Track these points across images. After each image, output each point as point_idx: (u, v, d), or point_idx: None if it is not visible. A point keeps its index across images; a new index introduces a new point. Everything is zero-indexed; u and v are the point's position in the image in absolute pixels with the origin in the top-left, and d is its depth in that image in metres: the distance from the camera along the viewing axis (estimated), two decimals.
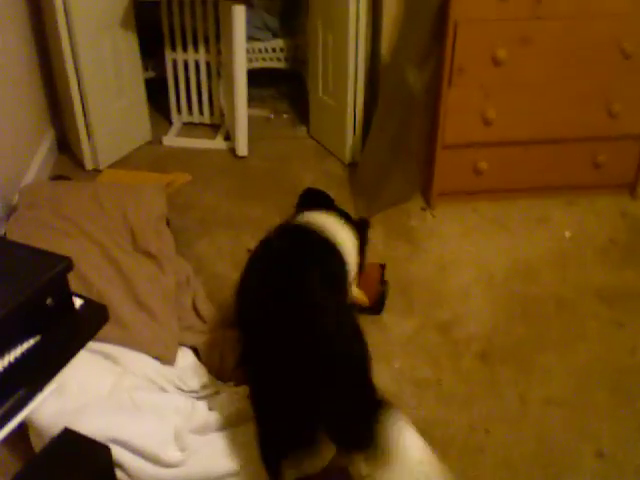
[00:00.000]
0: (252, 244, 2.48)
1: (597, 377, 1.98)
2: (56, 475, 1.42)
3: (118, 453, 1.55)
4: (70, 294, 0.94)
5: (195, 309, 2.17)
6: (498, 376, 1.98)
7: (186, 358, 1.96)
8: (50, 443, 1.41)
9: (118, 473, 1.55)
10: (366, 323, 2.14)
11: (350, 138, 2.95)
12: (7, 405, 0.85)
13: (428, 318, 2.20)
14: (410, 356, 2.05)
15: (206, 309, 2.16)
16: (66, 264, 0.91)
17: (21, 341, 0.88)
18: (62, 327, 0.93)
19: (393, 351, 2.06)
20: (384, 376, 1.96)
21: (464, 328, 2.16)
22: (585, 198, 2.75)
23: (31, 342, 0.89)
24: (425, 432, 1.74)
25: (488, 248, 2.52)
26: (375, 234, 2.58)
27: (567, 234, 2.59)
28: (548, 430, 1.81)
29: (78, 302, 0.97)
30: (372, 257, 2.46)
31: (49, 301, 0.90)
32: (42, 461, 1.33)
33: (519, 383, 1.96)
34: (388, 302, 2.24)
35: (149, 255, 2.22)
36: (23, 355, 0.87)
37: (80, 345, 0.94)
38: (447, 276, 2.39)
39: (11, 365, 0.86)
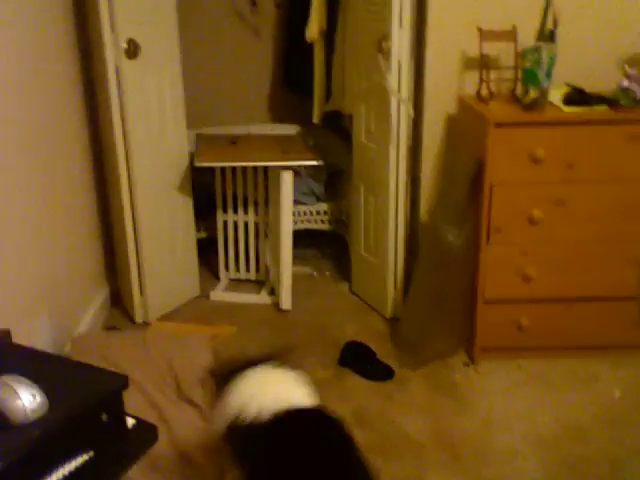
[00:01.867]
0: None
1: None
2: None
3: None
4: (124, 412, 0.97)
5: None
6: None
7: None
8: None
9: None
10: None
11: (391, 293, 3.02)
12: None
13: (476, 477, 2.11)
14: None
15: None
16: (122, 382, 0.95)
17: (75, 455, 0.90)
18: (114, 443, 0.95)
19: None
20: None
21: None
22: (632, 357, 2.70)
23: (85, 457, 0.91)
24: None
25: (535, 406, 2.46)
26: (418, 389, 2.57)
27: (616, 394, 2.52)
28: None
29: (130, 422, 0.99)
30: (415, 412, 2.44)
31: (104, 417, 0.93)
32: None
33: None
34: (433, 458, 2.18)
35: (193, 404, 2.24)
36: (77, 469, 0.89)
37: (131, 462, 0.95)
38: (493, 433, 2.32)
39: (65, 476, 0.87)
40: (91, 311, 2.95)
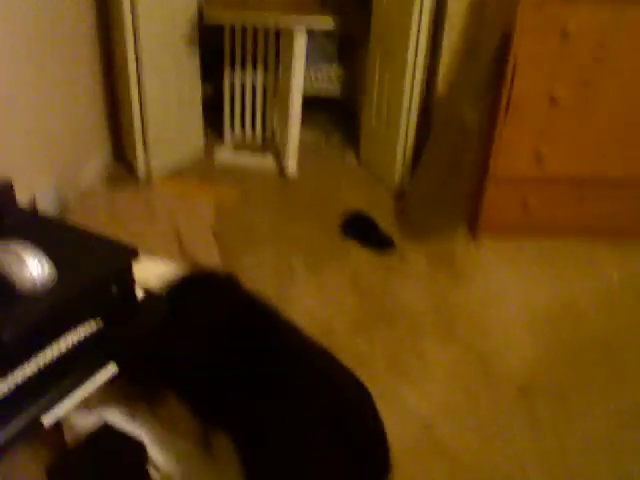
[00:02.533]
0: (294, 260, 2.53)
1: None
2: (91, 468, 1.44)
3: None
4: (134, 284, 0.96)
5: None
6: (537, 413, 1.94)
7: None
8: (87, 437, 1.43)
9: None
10: (404, 350, 2.15)
11: (399, 166, 2.98)
12: (69, 380, 0.87)
13: (469, 348, 2.17)
14: (447, 382, 2.03)
15: None
16: (133, 254, 0.93)
17: (83, 324, 0.90)
18: (123, 315, 0.95)
19: (431, 377, 2.04)
20: (419, 400, 1.95)
21: (505, 361, 2.13)
22: (635, 242, 2.71)
23: (93, 324, 0.91)
24: (457, 458, 1.75)
25: (533, 285, 2.49)
26: (418, 262, 2.59)
27: (615, 277, 2.55)
28: (586, 473, 1.76)
29: (140, 293, 0.99)
30: (414, 286, 2.48)
31: (114, 289, 0.92)
32: (78, 453, 1.35)
33: (558, 422, 1.92)
34: (428, 328, 2.24)
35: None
36: (85, 338, 0.89)
37: (140, 332, 0.96)
38: (489, 308, 2.37)
39: (74, 345, 0.88)
40: (94, 163, 2.91)
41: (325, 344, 2.10)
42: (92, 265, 0.91)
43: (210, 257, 2.34)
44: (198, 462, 1.54)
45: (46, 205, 2.30)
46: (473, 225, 2.73)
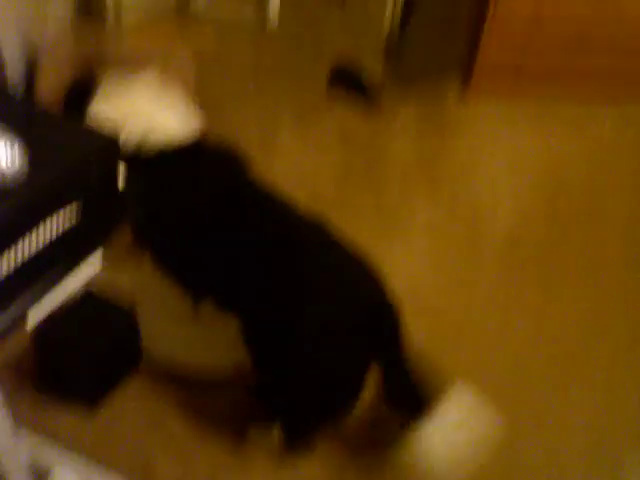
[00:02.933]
0: (280, 115, 2.43)
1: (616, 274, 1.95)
2: (77, 335, 1.45)
3: None
4: (117, 172, 0.89)
5: None
6: (521, 271, 1.96)
7: None
8: (71, 304, 1.43)
9: None
10: (391, 211, 2.12)
11: (390, 11, 2.79)
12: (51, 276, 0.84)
13: (456, 205, 2.16)
14: (434, 243, 2.03)
15: None
16: (116, 146, 0.87)
17: (61, 213, 0.84)
18: (105, 203, 0.89)
19: (417, 237, 2.04)
20: (406, 261, 1.95)
21: (491, 219, 2.12)
22: (629, 101, 2.61)
23: (72, 215, 0.85)
24: (441, 314, 1.78)
25: (523, 143, 2.44)
26: (407, 118, 2.51)
27: (605, 136, 2.49)
28: (562, 328, 1.80)
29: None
30: (402, 139, 2.41)
31: (95, 174, 0.86)
32: (62, 320, 1.34)
33: (541, 277, 1.94)
34: (414, 187, 2.21)
35: None
36: (64, 229, 0.83)
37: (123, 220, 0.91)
38: (478, 167, 2.32)
39: (52, 239, 0.83)
40: (62, 10, 2.70)
41: (312, 200, 2.08)
42: (70, 151, 0.84)
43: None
44: (188, 328, 1.56)
45: (11, 52, 2.13)
46: (466, 82, 2.61)
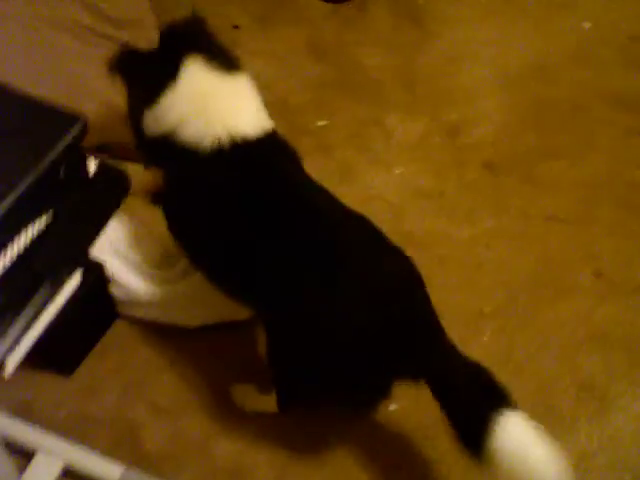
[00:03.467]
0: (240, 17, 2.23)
1: (604, 191, 1.90)
2: None
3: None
4: (85, 162, 0.77)
5: None
6: (503, 187, 1.90)
7: None
8: None
9: None
10: (369, 125, 2.01)
11: None
12: (33, 302, 0.73)
13: (434, 119, 2.04)
14: (413, 162, 1.94)
15: None
16: (82, 126, 0.73)
17: (32, 221, 0.73)
18: (77, 200, 0.77)
19: (396, 156, 1.94)
20: (386, 183, 1.87)
21: (472, 132, 2.02)
22: None
23: (43, 220, 0.74)
24: (425, 244, 1.74)
25: (504, 38, 2.29)
26: (380, 15, 2.32)
27: (586, 25, 2.35)
28: (548, 248, 1.77)
29: (92, 167, 0.80)
30: (375, 43, 2.25)
31: (62, 172, 0.74)
32: None
33: (524, 195, 1.88)
34: (392, 97, 2.07)
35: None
36: (37, 237, 0.72)
37: (101, 220, 0.79)
38: (457, 70, 2.19)
39: (24, 253, 0.72)
40: None
41: (281, 119, 1.95)
42: (32, 147, 0.71)
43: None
44: (165, 281, 1.48)
45: None
46: None
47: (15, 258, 0.72)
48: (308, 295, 1.17)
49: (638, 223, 1.83)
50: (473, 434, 1.11)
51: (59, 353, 1.36)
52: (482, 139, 2.00)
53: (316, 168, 1.76)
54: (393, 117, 2.03)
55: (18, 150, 0.72)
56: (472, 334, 1.60)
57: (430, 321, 1.21)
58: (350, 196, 1.79)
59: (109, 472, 1.27)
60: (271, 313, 1.25)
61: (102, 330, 1.43)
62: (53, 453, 1.29)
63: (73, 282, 0.82)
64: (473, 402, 1.15)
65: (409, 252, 1.69)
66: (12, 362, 0.72)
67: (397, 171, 1.91)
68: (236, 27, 2.17)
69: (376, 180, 1.88)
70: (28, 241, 0.72)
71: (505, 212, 1.84)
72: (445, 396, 1.15)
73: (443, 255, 1.73)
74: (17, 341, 0.72)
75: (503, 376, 1.48)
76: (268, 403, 1.32)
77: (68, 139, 0.76)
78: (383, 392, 1.23)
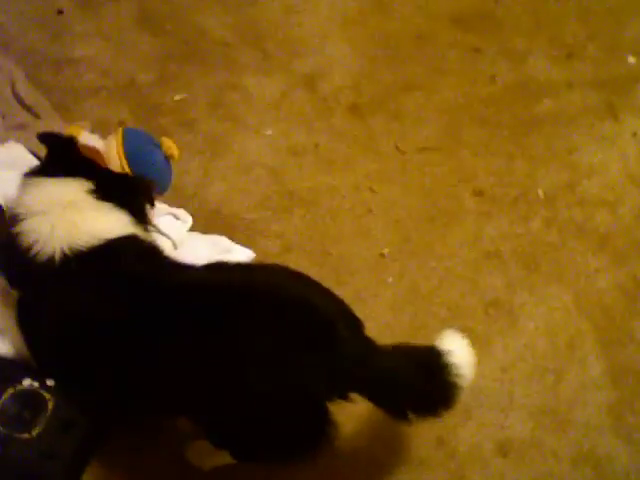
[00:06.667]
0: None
1: (464, 112, 1.97)
2: None
3: None
4: None
5: (20, 101, 1.81)
6: (372, 129, 1.91)
7: None
8: None
9: None
10: (227, 91, 1.94)
11: None
12: None
13: (290, 73, 2.01)
14: (281, 121, 1.90)
15: (36, 100, 1.81)
16: None
17: None
18: None
19: (262, 118, 1.90)
20: (260, 147, 1.83)
21: (329, 80, 2.01)
22: None
23: None
24: (312, 201, 1.73)
25: None
26: None
27: None
28: (428, 179, 1.82)
29: None
30: (213, 5, 2.15)
31: None
32: None
33: (393, 133, 1.91)
34: (243, 61, 2.01)
35: None
36: None
37: None
38: (299, 20, 2.14)
39: None
40: None
41: (131, 101, 1.84)
42: None
43: None
44: None
45: None
46: None
47: None
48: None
49: (499, 138, 1.92)
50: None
51: None
52: (341, 85, 2.00)
53: (183, 146, 1.71)
54: (249, 79, 1.97)
55: None
56: (377, 278, 1.64)
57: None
58: (226, 168, 1.77)
59: None
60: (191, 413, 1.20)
61: None
62: None
63: None
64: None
65: (298, 212, 1.71)
66: None
67: (267, 133, 1.87)
68: (61, 12, 1.98)
69: (248, 146, 1.83)
70: None
71: (380, 153, 1.86)
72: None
73: (332, 207, 1.75)
74: None
75: (413, 309, 1.57)
76: (225, 456, 1.25)
77: None
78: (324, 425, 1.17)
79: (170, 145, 1.65)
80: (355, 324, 1.17)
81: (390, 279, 1.64)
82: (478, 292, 1.61)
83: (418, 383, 1.15)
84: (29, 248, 1.16)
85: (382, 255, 1.67)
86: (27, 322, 1.22)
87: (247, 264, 1.41)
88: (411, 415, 1.17)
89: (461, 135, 1.92)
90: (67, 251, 1.15)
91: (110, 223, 1.22)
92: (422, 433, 1.38)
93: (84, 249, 1.16)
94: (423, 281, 1.63)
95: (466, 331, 1.49)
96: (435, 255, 1.67)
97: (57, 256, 1.15)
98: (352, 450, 1.37)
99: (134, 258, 1.19)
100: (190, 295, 1.14)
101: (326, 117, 1.92)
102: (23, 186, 1.26)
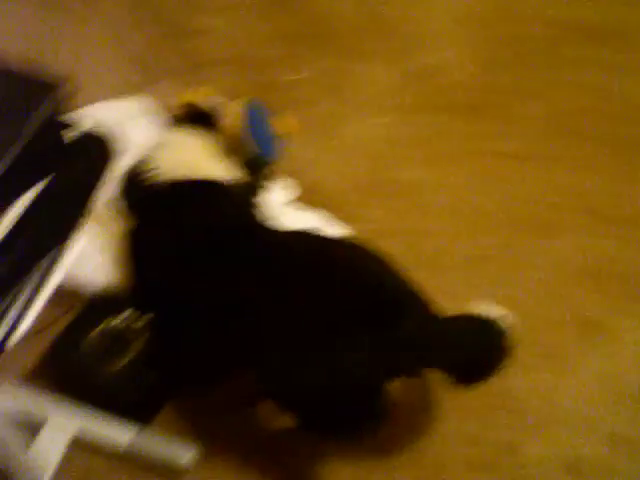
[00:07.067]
0: None
1: (580, 125, 1.90)
2: None
3: None
4: (64, 130, 0.72)
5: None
6: (481, 131, 1.88)
7: None
8: None
9: None
10: (341, 76, 1.95)
11: None
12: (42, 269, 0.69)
13: (408, 67, 2.02)
14: (393, 111, 1.91)
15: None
16: (63, 93, 0.68)
17: (32, 186, 0.68)
18: (61, 171, 0.73)
19: (375, 106, 1.91)
20: (368, 134, 1.84)
21: (446, 77, 2.00)
22: None
23: (44, 184, 0.69)
24: (414, 192, 1.72)
25: None
26: None
27: None
28: (534, 188, 1.76)
29: (71, 135, 0.75)
30: None
31: (43, 142, 0.69)
32: None
33: (501, 137, 1.86)
34: (366, 47, 2.03)
35: None
36: (38, 199, 0.67)
37: (85, 190, 0.75)
38: (422, 13, 2.16)
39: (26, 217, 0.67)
40: None
41: (247, 75, 1.89)
42: (10, 119, 0.65)
43: None
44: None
45: None
46: None
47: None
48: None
49: (611, 155, 1.84)
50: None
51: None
52: (456, 83, 1.98)
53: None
54: (368, 66, 1.99)
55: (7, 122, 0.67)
56: (469, 279, 1.60)
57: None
58: (332, 149, 1.79)
59: (119, 437, 1.26)
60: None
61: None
62: (63, 420, 1.27)
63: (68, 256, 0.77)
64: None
65: (396, 202, 1.70)
66: (15, 336, 0.69)
67: (378, 121, 1.88)
68: None
69: (357, 131, 1.85)
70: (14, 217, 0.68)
71: (485, 155, 1.83)
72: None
73: (432, 202, 1.73)
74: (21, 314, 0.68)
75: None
76: (289, 420, 1.26)
77: (49, 107, 0.71)
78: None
79: (289, 122, 1.69)
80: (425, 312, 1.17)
81: (486, 281, 1.60)
82: (572, 308, 1.55)
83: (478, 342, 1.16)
84: (151, 178, 1.24)
85: (478, 257, 1.64)
86: (137, 249, 1.28)
87: (333, 237, 1.40)
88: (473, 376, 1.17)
89: (572, 149, 1.85)
90: (181, 184, 1.23)
91: (224, 172, 1.30)
92: (491, 438, 1.34)
93: (198, 184, 1.24)
94: (518, 288, 1.59)
95: (555, 347, 1.46)
96: (533, 265, 1.62)
97: (172, 188, 1.23)
98: (416, 448, 1.35)
99: (235, 203, 1.26)
100: (275, 250, 1.18)
101: (437, 113, 1.91)
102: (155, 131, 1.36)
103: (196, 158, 1.29)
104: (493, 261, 1.62)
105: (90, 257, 1.41)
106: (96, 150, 0.78)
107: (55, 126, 0.69)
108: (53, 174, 0.75)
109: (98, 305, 1.37)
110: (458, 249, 1.64)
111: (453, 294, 1.53)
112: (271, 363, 1.14)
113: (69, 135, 0.80)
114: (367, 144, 1.82)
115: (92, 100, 1.58)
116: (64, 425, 1.26)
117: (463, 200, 1.74)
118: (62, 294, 1.39)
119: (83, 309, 1.37)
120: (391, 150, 1.82)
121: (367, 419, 1.20)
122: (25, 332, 0.69)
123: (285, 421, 1.28)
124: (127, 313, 1.37)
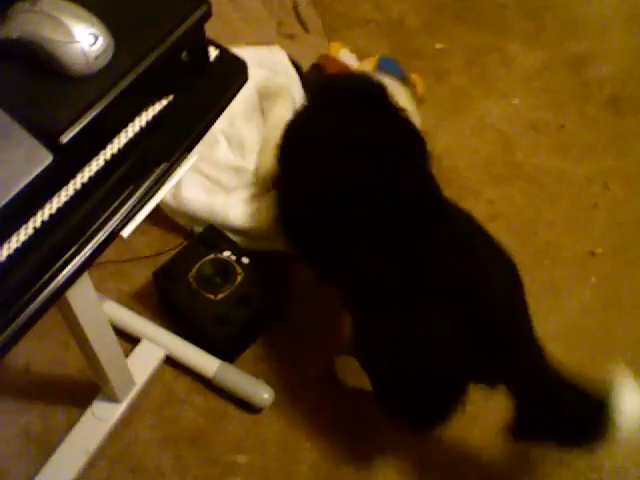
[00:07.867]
0: None
1: None
2: None
3: None
4: (207, 47, 0.76)
5: (296, 13, 1.95)
6: (627, 126, 1.78)
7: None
8: None
9: None
10: (487, 52, 1.92)
11: None
12: (150, 179, 0.75)
13: (558, 50, 1.93)
14: (532, 93, 1.85)
15: (310, 15, 1.93)
16: (206, 10, 0.72)
17: (152, 103, 0.73)
18: (198, 85, 0.77)
19: (514, 86, 1.86)
20: (501, 113, 1.80)
21: (598, 67, 1.90)
22: None
23: (163, 103, 0.74)
24: (536, 179, 1.67)
25: None
26: None
27: None
28: None
29: (214, 53, 0.79)
30: None
31: (184, 55, 0.73)
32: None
33: None
34: (514, 27, 1.97)
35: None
36: (155, 119, 0.73)
37: (221, 106, 0.79)
38: (584, 5, 2.04)
39: (144, 129, 0.72)
40: None
41: (395, 40, 1.90)
42: (156, 28, 0.71)
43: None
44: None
45: None
46: None
47: (132, 138, 0.73)
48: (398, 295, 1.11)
49: None
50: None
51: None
52: (608, 75, 1.88)
53: (429, 93, 1.73)
54: (514, 46, 1.93)
55: (142, 28, 0.72)
56: (579, 275, 1.54)
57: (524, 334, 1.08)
58: (461, 124, 1.76)
59: (207, 365, 1.33)
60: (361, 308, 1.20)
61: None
62: (156, 342, 1.35)
63: (185, 166, 0.82)
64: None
65: (517, 185, 1.65)
66: (129, 227, 0.75)
67: (514, 101, 1.83)
68: None
69: (491, 109, 1.81)
70: (145, 123, 0.73)
71: (627, 153, 1.74)
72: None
73: (555, 191, 1.67)
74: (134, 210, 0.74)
75: (605, 317, 1.46)
76: (366, 382, 1.24)
77: (192, 21, 0.74)
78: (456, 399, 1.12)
79: (417, 82, 1.69)
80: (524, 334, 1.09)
81: (593, 279, 1.54)
82: None
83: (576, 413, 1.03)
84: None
85: (593, 253, 1.57)
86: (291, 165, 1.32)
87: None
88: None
89: None
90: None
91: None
92: None
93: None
94: (627, 293, 1.51)
95: None
96: None
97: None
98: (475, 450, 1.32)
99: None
100: (449, 208, 1.19)
101: (581, 102, 1.82)
102: None
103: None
104: (608, 260, 1.55)
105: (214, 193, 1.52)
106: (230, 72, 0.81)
107: (182, 45, 0.73)
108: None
109: (207, 240, 1.45)
110: (573, 243, 1.58)
111: (556, 288, 1.50)
112: (385, 318, 1.12)
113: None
114: (498, 123, 1.78)
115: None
116: (155, 348, 1.34)
117: (590, 193, 1.66)
118: (176, 227, 1.52)
119: (193, 242, 1.46)
120: (523, 133, 1.77)
121: (441, 414, 1.14)
122: (137, 225, 0.75)
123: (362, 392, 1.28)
124: (234, 250, 1.44)
